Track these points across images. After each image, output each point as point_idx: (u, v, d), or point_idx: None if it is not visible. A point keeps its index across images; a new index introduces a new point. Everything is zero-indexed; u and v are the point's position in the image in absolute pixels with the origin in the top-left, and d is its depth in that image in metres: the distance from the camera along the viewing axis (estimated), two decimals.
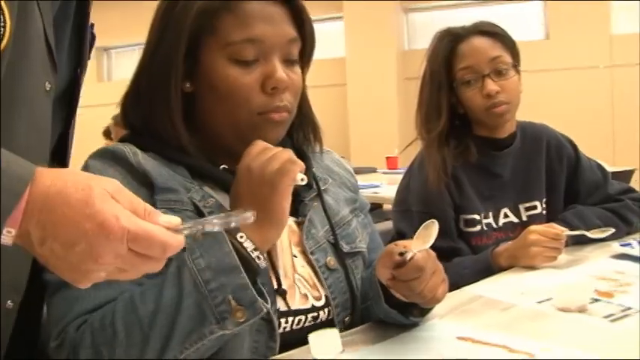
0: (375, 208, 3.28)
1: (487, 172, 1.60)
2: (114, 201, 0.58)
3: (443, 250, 1.53)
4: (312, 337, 0.36)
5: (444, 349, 0.91)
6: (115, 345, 0.78)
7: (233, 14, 0.92)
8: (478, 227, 1.57)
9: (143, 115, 0.97)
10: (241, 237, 0.84)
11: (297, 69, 0.99)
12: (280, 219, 0.88)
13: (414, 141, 1.64)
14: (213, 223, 0.64)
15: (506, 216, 1.61)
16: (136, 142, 0.96)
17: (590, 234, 1.45)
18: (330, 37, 7.14)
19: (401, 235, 1.62)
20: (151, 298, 0.80)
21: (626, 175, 3.41)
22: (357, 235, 1.07)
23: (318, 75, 5.85)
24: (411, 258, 0.84)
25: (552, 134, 1.69)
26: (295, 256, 0.98)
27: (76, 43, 0.95)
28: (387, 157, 4.49)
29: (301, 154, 1.06)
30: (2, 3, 0.76)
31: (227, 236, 0.82)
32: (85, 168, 0.92)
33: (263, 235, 0.86)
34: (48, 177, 0.58)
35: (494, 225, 1.59)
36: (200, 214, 0.90)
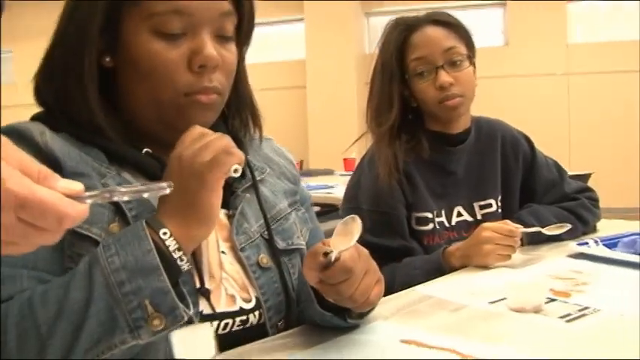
0: (330, 210, 3.20)
1: (440, 168, 1.53)
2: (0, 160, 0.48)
3: (394, 250, 1.47)
4: (176, 335, 0.27)
5: (385, 354, 0.82)
6: (4, 356, 0.66)
7: None
8: (430, 226, 1.50)
9: (55, 91, 0.86)
10: (164, 234, 0.73)
11: (232, 47, 0.89)
12: (208, 216, 0.77)
13: (364, 135, 1.56)
14: (122, 192, 0.55)
15: (459, 214, 1.54)
16: (49, 121, 0.85)
17: (546, 230, 1.38)
18: (290, 39, 7.09)
19: None
20: (54, 300, 0.68)
21: (583, 179, 3.40)
22: (294, 231, 0.98)
23: (278, 76, 5.80)
24: (337, 259, 0.75)
25: (508, 130, 1.63)
26: (223, 253, 0.88)
27: None
28: (345, 159, 4.42)
29: (236, 141, 0.97)
30: None
31: (148, 232, 0.72)
32: None
33: (189, 233, 0.75)
34: None
35: (447, 224, 1.52)
36: (116, 203, 0.79)
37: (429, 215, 1.50)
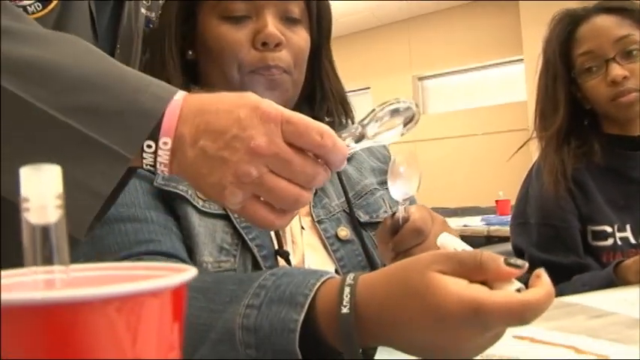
0: None
1: (621, 175, 1.34)
2: None
3: (566, 267, 1.31)
4: (23, 171, 0.26)
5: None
6: None
7: None
8: (610, 241, 1.31)
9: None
10: None
11: (300, 30, 0.92)
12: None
13: (529, 141, 1.44)
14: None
15: None
16: None
17: None
18: (510, 81, 6.88)
19: (518, 251, 1.41)
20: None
21: None
22: (380, 205, 0.95)
23: (498, 120, 5.61)
24: (406, 219, 0.69)
25: None
26: (303, 228, 0.88)
27: (114, 23, 0.99)
28: (497, 201, 4.18)
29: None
30: None
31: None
32: None
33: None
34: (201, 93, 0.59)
35: (633, 240, 1.32)
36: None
37: (609, 229, 1.32)
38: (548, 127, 1.36)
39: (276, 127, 0.54)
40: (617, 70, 1.27)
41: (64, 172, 0.52)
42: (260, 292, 0.59)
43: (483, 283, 0.52)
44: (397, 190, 0.71)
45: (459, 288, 0.50)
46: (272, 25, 0.87)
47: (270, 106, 0.55)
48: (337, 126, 1.01)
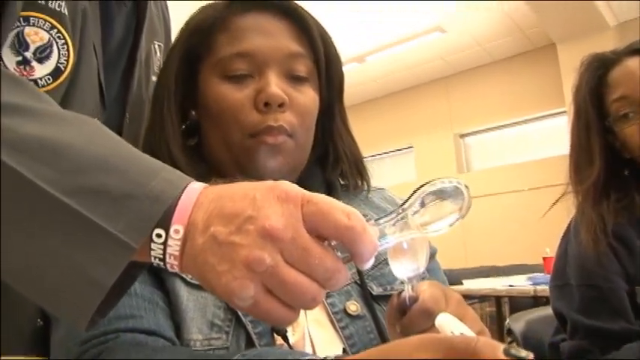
0: None
1: None
2: None
3: (616, 335, 1.18)
4: None
5: None
6: None
7: (226, 31, 0.84)
8: None
9: (149, 142, 0.88)
10: None
11: (306, 89, 0.85)
12: None
13: (563, 196, 1.33)
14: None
15: None
16: None
17: None
18: (554, 134, 6.72)
19: (559, 316, 1.29)
20: None
21: None
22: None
23: (544, 174, 5.41)
24: (414, 299, 0.59)
25: None
26: None
27: (123, 92, 0.97)
28: (544, 259, 3.94)
29: (332, 188, 0.90)
30: (68, 39, 0.82)
31: None
32: None
33: None
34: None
35: None
36: None
37: None
38: (584, 181, 1.26)
39: (295, 209, 0.48)
40: None
41: (64, 258, 0.48)
42: None
43: None
44: (400, 266, 0.58)
45: None
46: (275, 85, 0.80)
47: (290, 185, 0.49)
48: (352, 189, 0.94)
